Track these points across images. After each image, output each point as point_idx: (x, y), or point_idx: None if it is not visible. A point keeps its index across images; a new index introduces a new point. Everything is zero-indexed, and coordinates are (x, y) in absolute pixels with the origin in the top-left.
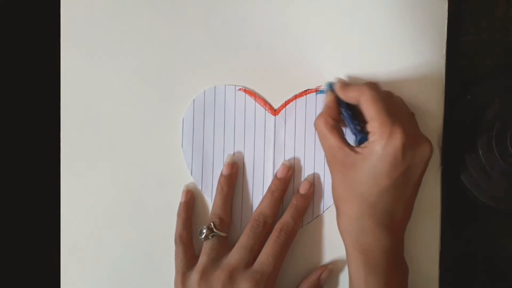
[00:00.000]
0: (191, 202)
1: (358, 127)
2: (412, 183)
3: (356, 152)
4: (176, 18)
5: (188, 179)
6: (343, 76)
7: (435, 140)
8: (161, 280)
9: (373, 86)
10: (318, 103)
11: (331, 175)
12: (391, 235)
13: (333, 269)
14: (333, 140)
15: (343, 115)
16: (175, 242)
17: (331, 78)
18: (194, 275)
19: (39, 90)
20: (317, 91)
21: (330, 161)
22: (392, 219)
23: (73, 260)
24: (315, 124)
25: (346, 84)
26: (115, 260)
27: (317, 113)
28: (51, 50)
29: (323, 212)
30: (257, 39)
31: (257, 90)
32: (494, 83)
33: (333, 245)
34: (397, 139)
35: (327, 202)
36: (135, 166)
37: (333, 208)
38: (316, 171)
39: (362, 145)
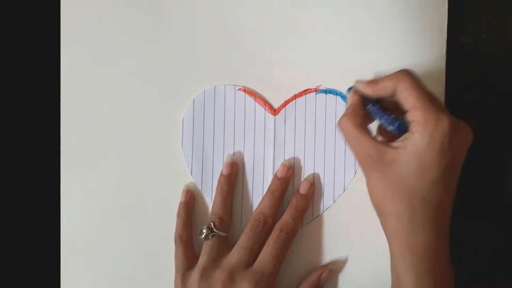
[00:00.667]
0: (191, 202)
1: (392, 116)
2: (457, 174)
3: (394, 147)
4: (176, 18)
5: (188, 179)
6: (342, 76)
7: None
8: (161, 280)
9: (410, 73)
10: (318, 103)
11: (366, 177)
12: (440, 234)
13: (333, 269)
14: (364, 139)
15: (371, 110)
16: (175, 242)
17: (331, 78)
18: (194, 275)
19: (40, 90)
20: (317, 90)
21: (365, 161)
22: (441, 214)
23: (73, 260)
24: (340, 126)
25: (373, 80)
26: (115, 260)
27: (317, 113)
28: (51, 50)
29: (323, 212)
30: (257, 39)
31: (257, 90)
32: (494, 83)
33: (333, 245)
34: (444, 126)
35: (327, 202)
36: (135, 166)
37: (333, 208)
38: (316, 171)
39: (400, 139)
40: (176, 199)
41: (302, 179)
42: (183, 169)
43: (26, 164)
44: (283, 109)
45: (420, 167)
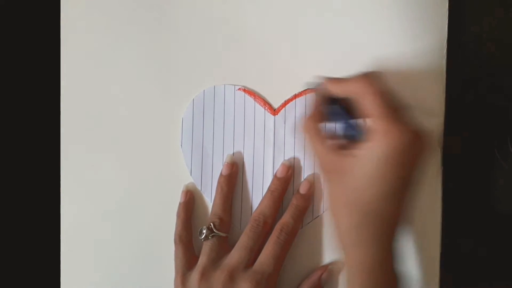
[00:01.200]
0: (190, 202)
1: (352, 123)
2: (411, 186)
3: (352, 156)
4: (175, 18)
5: (187, 179)
6: (342, 76)
7: (435, 139)
8: (161, 280)
9: (378, 76)
10: None
11: (326, 184)
12: (385, 246)
13: (334, 269)
14: (319, 145)
15: (333, 111)
16: (175, 242)
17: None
18: (194, 276)
19: (39, 90)
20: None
21: (320, 167)
22: (389, 226)
23: (73, 260)
24: (303, 127)
25: (339, 78)
26: (115, 260)
27: None
28: (51, 50)
29: (323, 212)
30: (257, 39)
31: (257, 90)
32: (495, 82)
33: (333, 245)
34: (398, 140)
35: (327, 202)
36: (134, 166)
37: None
38: (316, 171)
39: (357, 147)
40: (175, 199)
41: (302, 179)
42: (182, 169)
43: (26, 164)
44: (283, 109)
45: (370, 179)
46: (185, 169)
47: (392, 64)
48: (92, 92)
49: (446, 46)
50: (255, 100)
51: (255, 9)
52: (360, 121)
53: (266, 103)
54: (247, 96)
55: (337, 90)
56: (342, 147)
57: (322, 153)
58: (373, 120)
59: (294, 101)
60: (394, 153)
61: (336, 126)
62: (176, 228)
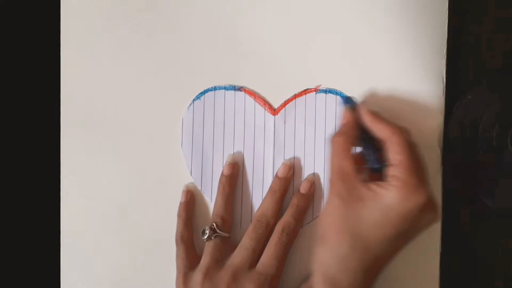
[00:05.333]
0: (191, 202)
1: (377, 156)
2: (405, 243)
3: (368, 187)
4: (176, 18)
5: (187, 179)
6: (342, 76)
7: (435, 139)
8: (162, 280)
9: (406, 131)
10: (318, 103)
11: (329, 199)
12: (367, 281)
13: None
14: (348, 163)
15: (361, 137)
16: (176, 242)
17: (331, 78)
18: (197, 275)
19: (39, 90)
20: (317, 90)
21: (335, 183)
22: (376, 265)
23: (73, 260)
24: (333, 141)
25: (377, 115)
26: (115, 260)
27: (317, 113)
28: (51, 50)
29: None
30: (257, 38)
31: (257, 90)
32: (495, 82)
33: None
34: (421, 199)
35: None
36: (135, 166)
37: None
38: (316, 171)
39: (378, 183)
40: (176, 199)
41: (302, 179)
42: (182, 169)
43: (26, 164)
44: (283, 109)
45: (380, 219)
46: (185, 169)
47: (392, 64)
48: (92, 92)
49: (446, 46)
50: (255, 100)
51: (255, 9)
52: (379, 157)
53: (266, 103)
54: (247, 96)
55: (367, 123)
56: (362, 174)
57: (348, 171)
58: (398, 169)
59: (294, 101)
60: (407, 207)
61: (363, 153)
62: (178, 228)
